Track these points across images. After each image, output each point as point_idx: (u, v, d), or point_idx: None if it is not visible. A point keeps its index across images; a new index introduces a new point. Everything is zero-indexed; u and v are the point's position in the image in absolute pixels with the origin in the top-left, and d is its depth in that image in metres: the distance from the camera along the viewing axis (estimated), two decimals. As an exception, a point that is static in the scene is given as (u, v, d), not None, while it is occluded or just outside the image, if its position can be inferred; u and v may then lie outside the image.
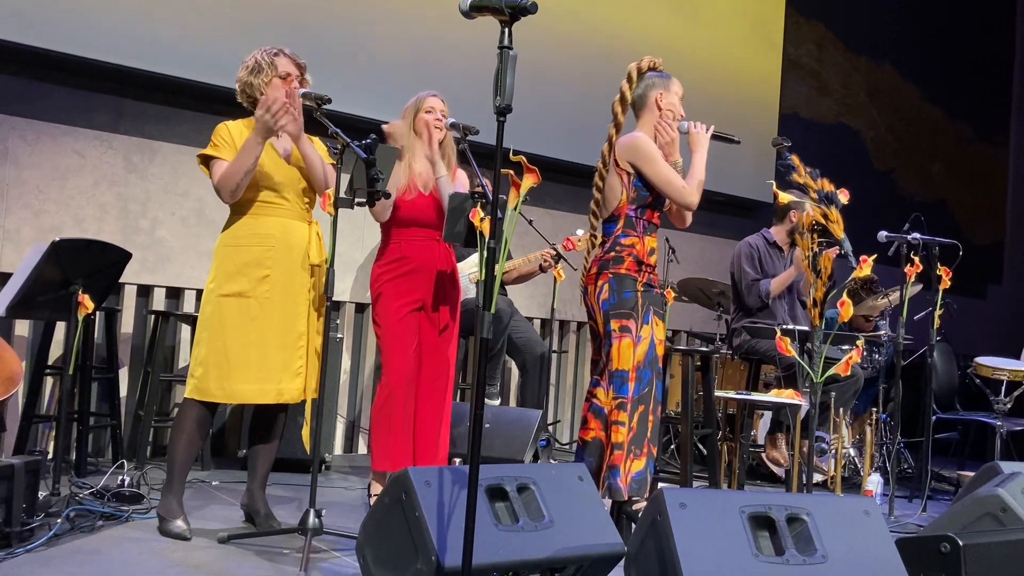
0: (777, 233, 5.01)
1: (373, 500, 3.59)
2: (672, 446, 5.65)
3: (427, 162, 3.63)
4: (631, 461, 3.30)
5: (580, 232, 5.01)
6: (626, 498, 3.27)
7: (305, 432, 3.29)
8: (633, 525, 3.22)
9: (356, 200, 3.02)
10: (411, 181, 3.60)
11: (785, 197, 3.27)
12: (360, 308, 5.36)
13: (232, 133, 3.17)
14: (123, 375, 4.56)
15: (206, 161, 3.17)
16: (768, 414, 5.10)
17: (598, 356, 3.46)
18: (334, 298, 3.16)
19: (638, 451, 3.31)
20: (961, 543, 2.42)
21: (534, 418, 4.24)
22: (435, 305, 3.61)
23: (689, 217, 3.60)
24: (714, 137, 3.55)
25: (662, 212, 3.55)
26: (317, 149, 3.25)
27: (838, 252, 3.35)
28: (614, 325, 3.36)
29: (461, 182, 3.72)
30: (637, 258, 3.41)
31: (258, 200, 3.16)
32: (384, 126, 3.73)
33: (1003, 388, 5.33)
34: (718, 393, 4.13)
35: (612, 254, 3.43)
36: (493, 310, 2.13)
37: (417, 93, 3.70)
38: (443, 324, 3.63)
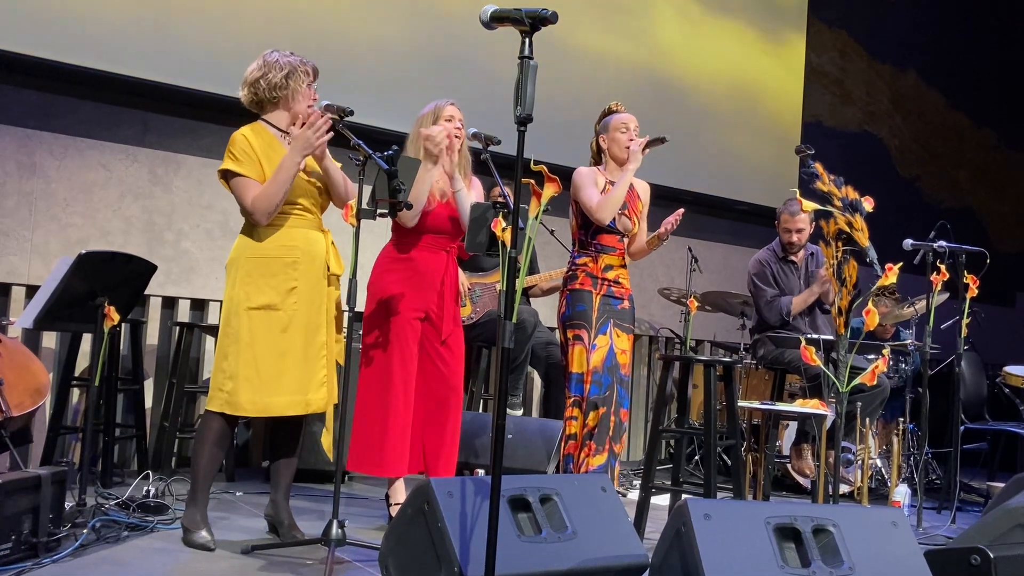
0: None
1: (393, 509, 3.59)
2: (696, 457, 5.61)
3: (444, 172, 3.59)
4: (587, 455, 3.74)
5: None
6: None
7: (327, 440, 3.29)
8: None
9: (378, 211, 3.03)
10: (444, 185, 3.55)
11: (809, 205, 3.24)
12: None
13: (252, 144, 3.13)
14: (148, 386, 4.60)
15: (225, 175, 3.14)
16: (793, 424, 5.05)
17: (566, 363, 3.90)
18: (356, 309, 3.16)
19: (600, 447, 3.74)
20: (992, 555, 2.38)
21: (557, 429, 4.21)
22: (439, 315, 3.53)
23: (637, 249, 4.01)
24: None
25: (621, 234, 3.92)
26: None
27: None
28: (569, 334, 3.84)
29: (476, 191, 3.68)
30: (590, 274, 3.87)
31: (283, 212, 3.15)
32: (424, 131, 3.61)
33: (1033, 398, 5.25)
34: (742, 403, 4.10)
35: (569, 273, 3.94)
36: (515, 320, 2.13)
37: (434, 101, 3.64)
38: (445, 335, 3.54)
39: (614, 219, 3.86)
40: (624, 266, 3.95)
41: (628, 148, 3.86)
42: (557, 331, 4.02)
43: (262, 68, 3.18)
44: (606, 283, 3.87)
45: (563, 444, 3.81)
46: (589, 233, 3.89)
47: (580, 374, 3.78)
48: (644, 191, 4.06)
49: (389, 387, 3.45)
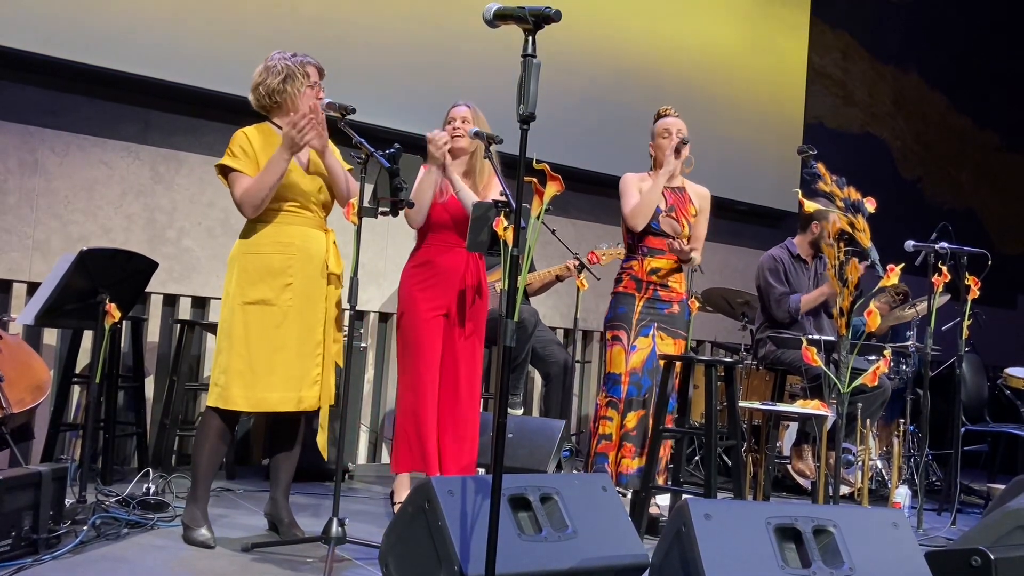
0: (800, 244, 4.95)
1: (396, 507, 3.60)
2: (696, 457, 5.61)
3: (461, 169, 3.64)
4: (623, 456, 3.74)
5: (604, 246, 5.00)
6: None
7: (321, 439, 3.29)
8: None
9: (380, 210, 3.03)
10: (444, 184, 3.61)
11: (811, 205, 3.24)
12: (384, 318, 5.37)
13: (252, 142, 3.15)
14: (149, 384, 4.60)
15: (223, 171, 3.16)
16: (794, 425, 5.05)
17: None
18: (358, 308, 3.16)
19: (639, 450, 3.76)
20: (992, 557, 2.38)
21: (557, 428, 4.22)
22: (459, 313, 3.62)
23: (692, 257, 3.86)
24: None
25: (669, 237, 3.85)
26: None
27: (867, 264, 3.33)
28: (608, 335, 3.88)
29: (495, 194, 3.69)
30: (635, 277, 3.88)
31: (279, 209, 3.16)
32: (428, 135, 3.62)
33: (1034, 400, 5.25)
34: (743, 404, 4.10)
35: (617, 275, 3.97)
36: (516, 319, 2.13)
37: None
38: (468, 333, 3.63)
39: (657, 221, 3.84)
40: (678, 270, 3.91)
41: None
42: (604, 332, 4.00)
43: (262, 73, 3.21)
44: (652, 286, 3.86)
45: (595, 443, 3.80)
46: (636, 236, 3.89)
47: (617, 375, 3.79)
48: (699, 195, 4.01)
49: (418, 389, 3.57)
